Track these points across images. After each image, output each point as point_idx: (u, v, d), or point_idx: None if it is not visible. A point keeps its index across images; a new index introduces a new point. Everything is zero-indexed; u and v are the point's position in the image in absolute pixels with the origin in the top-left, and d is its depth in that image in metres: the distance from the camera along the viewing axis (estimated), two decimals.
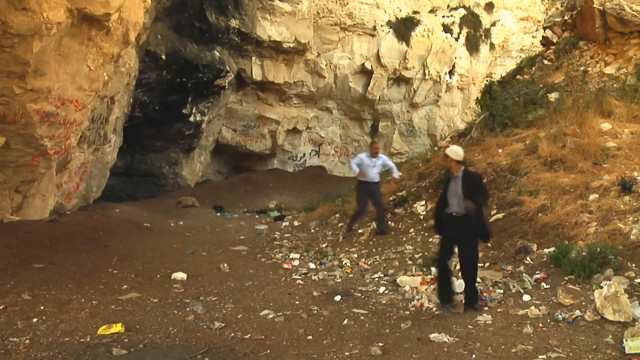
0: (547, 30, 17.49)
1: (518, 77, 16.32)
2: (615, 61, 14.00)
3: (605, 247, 6.68)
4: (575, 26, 15.99)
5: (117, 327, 6.13)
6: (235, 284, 8.47)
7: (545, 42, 17.37)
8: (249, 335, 6.03)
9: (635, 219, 7.30)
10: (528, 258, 7.62)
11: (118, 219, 13.32)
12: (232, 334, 6.07)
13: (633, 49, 13.88)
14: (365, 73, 24.87)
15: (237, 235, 12.82)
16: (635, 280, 6.13)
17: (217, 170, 24.67)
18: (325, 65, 23.87)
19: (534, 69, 16.17)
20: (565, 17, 16.80)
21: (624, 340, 4.94)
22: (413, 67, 25.39)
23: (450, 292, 6.77)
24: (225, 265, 9.67)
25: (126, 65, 13.35)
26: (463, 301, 6.59)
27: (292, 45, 22.20)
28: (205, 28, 18.79)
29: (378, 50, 24.44)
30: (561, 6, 18.44)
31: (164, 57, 17.23)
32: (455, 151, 6.57)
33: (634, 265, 6.40)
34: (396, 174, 11.50)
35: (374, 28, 24.22)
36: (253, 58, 22.04)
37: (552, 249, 7.34)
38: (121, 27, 11.05)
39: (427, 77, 26.06)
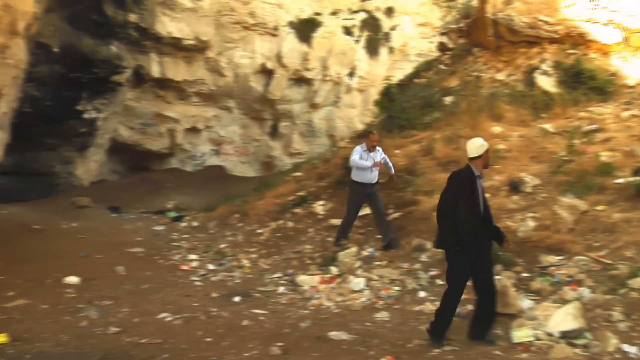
0: (443, 37, 18.25)
1: (416, 80, 16.87)
2: (506, 68, 14.84)
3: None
4: (470, 34, 16.79)
5: (1, 338, 5.69)
6: (132, 286, 8.16)
7: (442, 47, 18.11)
8: (146, 339, 5.81)
9: (523, 216, 7.77)
10: (424, 255, 7.90)
11: (6, 220, 12.45)
12: (129, 339, 5.82)
13: (522, 57, 14.78)
14: (266, 73, 24.79)
15: (134, 236, 12.38)
16: (522, 274, 6.52)
17: (113, 169, 23.66)
18: (226, 63, 23.57)
19: (430, 73, 16.80)
20: (461, 25, 17.61)
21: (511, 330, 5.23)
22: (314, 68, 25.61)
23: (449, 326, 5.31)
24: (121, 267, 9.29)
25: (14, 58, 12.48)
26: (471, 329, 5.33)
27: (192, 42, 21.72)
28: (102, 21, 17.95)
29: (279, 51, 24.47)
30: (457, 14, 19.27)
31: (56, 50, 16.30)
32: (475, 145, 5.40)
33: (521, 260, 6.80)
34: (392, 169, 9.56)
35: (276, 28, 24.22)
36: (152, 54, 21.33)
37: None
38: (8, 16, 10.34)
39: (327, 78, 26.37)
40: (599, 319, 5.29)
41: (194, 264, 9.71)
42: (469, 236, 5.00)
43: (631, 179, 8.06)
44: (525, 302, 5.87)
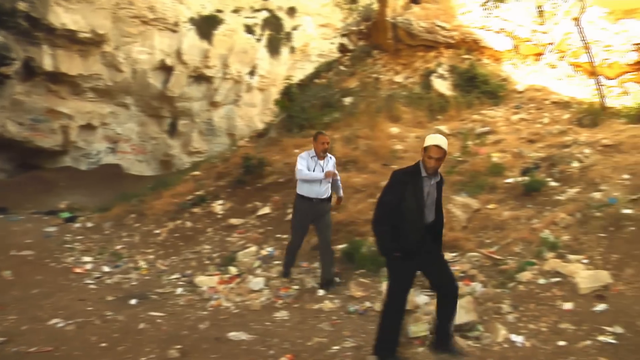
0: (344, 38, 18.60)
1: (316, 80, 17.06)
2: (404, 71, 15.34)
3: None
4: (370, 36, 17.21)
5: None
6: (20, 292, 7.66)
7: (343, 48, 18.44)
8: (36, 347, 5.46)
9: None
10: None
11: None
12: (16, 349, 5.44)
13: (419, 60, 15.34)
14: (166, 69, 24.22)
15: (23, 238, 11.64)
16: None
17: (0, 167, 22.22)
18: (124, 59, 22.77)
19: (331, 73, 17.05)
20: (361, 27, 18.01)
21: (408, 326, 5.40)
22: (215, 65, 25.31)
23: (398, 342, 4.81)
24: (8, 272, 8.72)
25: None
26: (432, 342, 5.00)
27: (88, 35, 20.80)
28: None
29: (179, 47, 23.97)
30: (358, 16, 19.70)
31: None
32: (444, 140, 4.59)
33: None
34: (340, 191, 7.50)
35: (176, 24, 23.70)
36: (44, 46, 20.20)
37: (345, 245, 7.77)
38: None
39: (228, 76, 26.15)
40: (490, 312, 5.57)
41: (88, 266, 9.30)
42: (408, 243, 4.54)
43: (519, 178, 8.58)
44: (421, 298, 6.08)
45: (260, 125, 22.59)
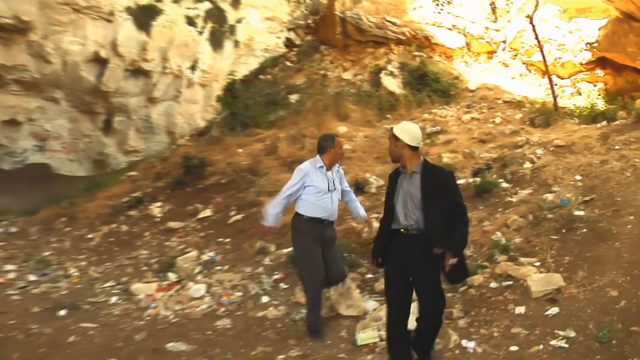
0: (291, 32, 18.59)
1: (261, 76, 17.01)
2: (353, 67, 15.44)
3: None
4: (318, 30, 17.25)
5: None
6: None
7: (289, 43, 18.42)
8: None
9: (370, 217, 8.08)
10: (267, 259, 7.93)
11: None
12: None
13: (368, 57, 15.47)
14: (100, 62, 23.66)
15: None
16: (367, 275, 6.79)
17: None
18: (53, 49, 22.07)
19: (276, 69, 17.03)
20: (309, 21, 18.04)
21: (356, 333, 5.41)
22: (153, 59, 24.90)
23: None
24: None
25: None
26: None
27: (10, 22, 20.08)
28: None
29: (115, 38, 23.45)
30: (305, 10, 19.75)
31: None
32: (409, 130, 4.30)
33: (365, 261, 7.06)
34: (361, 210, 6.15)
35: (111, 13, 23.17)
36: None
37: (290, 249, 7.72)
38: None
39: (167, 70, 25.78)
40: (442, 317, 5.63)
41: (11, 275, 8.93)
42: (377, 245, 4.42)
43: (471, 180, 8.72)
44: (370, 303, 6.10)
45: (201, 123, 22.38)
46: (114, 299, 7.46)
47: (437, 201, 4.16)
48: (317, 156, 5.64)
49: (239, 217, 9.50)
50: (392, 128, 4.36)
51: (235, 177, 10.74)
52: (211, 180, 11.02)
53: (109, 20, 23.24)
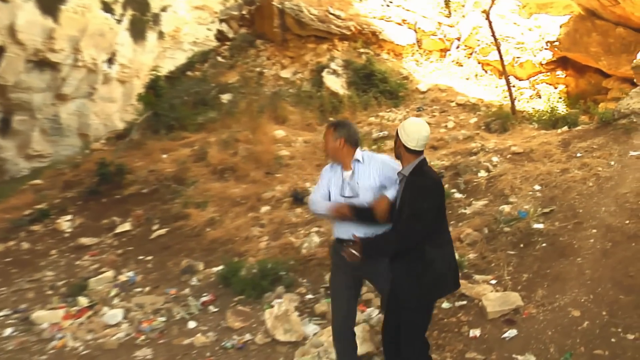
0: (223, 24, 18.56)
1: (189, 73, 16.91)
2: (292, 65, 15.51)
3: (276, 262, 7.27)
4: (254, 23, 17.28)
5: None
6: None
7: (221, 36, 18.39)
8: None
9: (307, 231, 8.14)
10: (194, 279, 7.85)
11: None
12: None
13: (310, 53, 15.56)
14: None
15: None
16: (307, 296, 6.80)
17: None
18: None
19: (206, 65, 16.95)
20: (244, 12, 18.05)
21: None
22: (62, 49, 24.39)
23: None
24: None
25: None
26: None
27: None
28: None
29: (13, 22, 22.85)
30: (240, 0, 19.74)
31: None
32: (408, 129, 4.07)
33: (305, 280, 7.08)
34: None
35: None
36: None
37: (221, 267, 7.69)
38: None
39: (80, 63, 25.31)
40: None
41: None
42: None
43: None
44: (310, 328, 6.09)
45: (120, 125, 22.04)
46: (8, 331, 7.18)
47: (400, 211, 4.08)
48: None
49: (162, 231, 9.39)
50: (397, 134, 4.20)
51: (158, 186, 10.62)
52: (131, 189, 10.86)
53: (4, 1, 22.57)
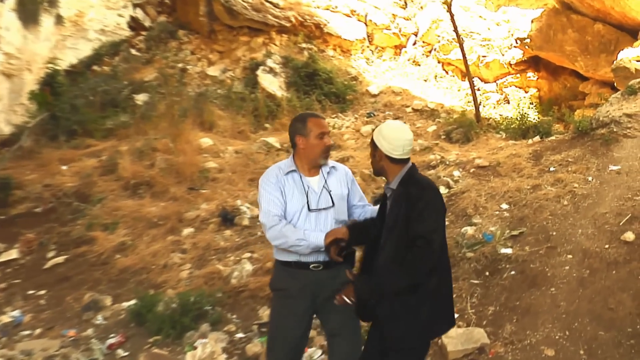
0: (137, 9, 18.39)
1: (95, 68, 16.74)
2: (221, 61, 15.49)
3: (201, 295, 7.21)
4: (175, 10, 17.23)
5: None
6: None
7: (135, 24, 18.24)
8: None
9: (237, 258, 8.12)
10: (100, 316, 7.74)
11: None
12: None
13: (242, 48, 15.57)
14: None
15: None
16: (236, 335, 6.77)
17: None
18: None
19: (117, 59, 16.80)
20: None
21: None
22: None
23: None
24: None
25: None
26: None
27: None
28: None
29: None
30: None
31: None
32: (389, 135, 3.98)
33: (235, 316, 7.06)
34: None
35: None
36: None
37: (133, 302, 7.59)
38: None
39: None
40: None
41: None
42: None
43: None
44: None
45: (6, 129, 21.52)
46: None
47: (395, 233, 3.86)
48: (291, 156, 4.40)
49: (60, 259, 9.21)
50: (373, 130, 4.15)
51: (56, 204, 10.42)
52: (20, 208, 10.63)
53: None
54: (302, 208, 4.18)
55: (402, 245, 3.73)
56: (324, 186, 4.27)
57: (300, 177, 4.24)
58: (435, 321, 3.88)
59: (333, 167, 4.38)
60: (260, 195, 4.27)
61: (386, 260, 3.81)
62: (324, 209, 4.21)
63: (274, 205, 4.17)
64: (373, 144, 3.96)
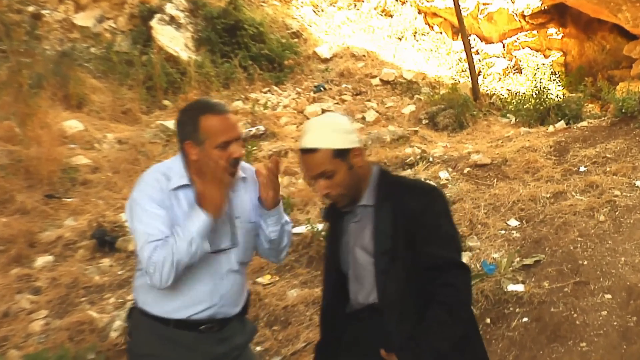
0: None
1: None
2: (96, 4, 15.32)
3: (63, 358, 7.07)
4: None
5: None
6: None
7: None
8: None
9: (120, 300, 7.99)
10: None
11: None
12: None
13: None
14: None
15: None
16: None
17: None
18: None
19: None
20: None
21: None
22: None
23: None
24: None
25: None
26: None
27: None
28: None
29: None
30: None
31: None
32: (342, 122, 3.83)
33: None
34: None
35: None
36: None
37: None
38: None
39: None
40: None
41: None
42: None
43: (320, 225, 8.95)
44: None
45: None
46: None
47: (400, 259, 3.72)
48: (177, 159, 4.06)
49: None
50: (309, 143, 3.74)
51: None
52: None
53: None
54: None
55: (413, 281, 3.64)
56: (225, 212, 3.92)
57: (191, 196, 3.88)
58: None
59: (243, 177, 4.11)
60: (133, 216, 3.85)
61: (396, 293, 3.67)
62: (222, 250, 3.95)
63: (156, 223, 3.78)
64: (337, 152, 3.64)
